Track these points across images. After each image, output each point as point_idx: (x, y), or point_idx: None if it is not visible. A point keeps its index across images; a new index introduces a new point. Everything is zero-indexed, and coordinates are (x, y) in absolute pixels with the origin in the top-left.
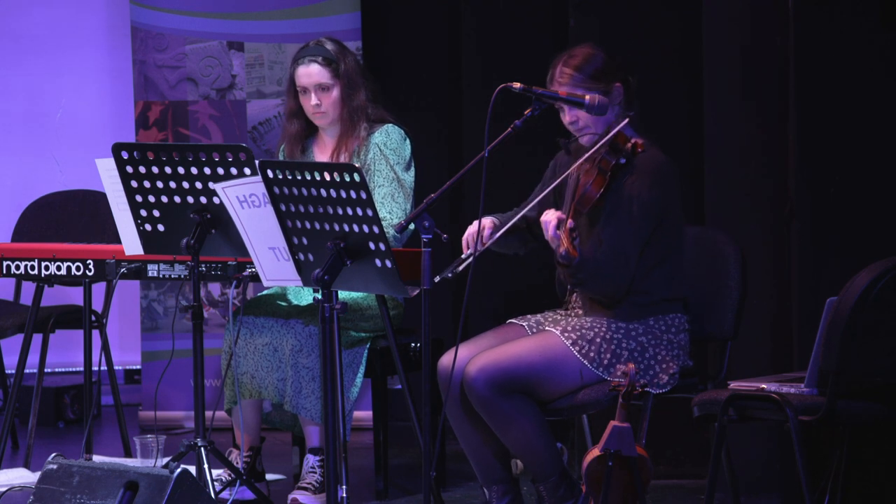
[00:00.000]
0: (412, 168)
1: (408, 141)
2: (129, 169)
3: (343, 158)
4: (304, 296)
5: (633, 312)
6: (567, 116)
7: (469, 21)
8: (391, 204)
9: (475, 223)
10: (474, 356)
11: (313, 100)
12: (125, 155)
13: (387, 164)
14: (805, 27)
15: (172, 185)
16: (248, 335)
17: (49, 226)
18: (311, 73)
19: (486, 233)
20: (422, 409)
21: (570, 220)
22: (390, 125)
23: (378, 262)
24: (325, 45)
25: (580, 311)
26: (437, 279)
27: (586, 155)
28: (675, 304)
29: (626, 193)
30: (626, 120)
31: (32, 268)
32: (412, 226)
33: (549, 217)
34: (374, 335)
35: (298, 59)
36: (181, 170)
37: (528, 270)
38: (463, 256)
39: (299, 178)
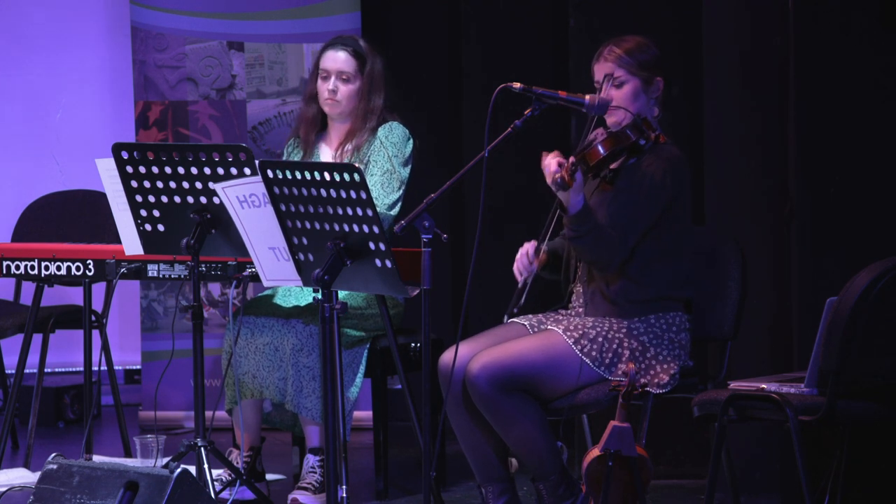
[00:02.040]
0: (409, 166)
1: (411, 141)
2: (129, 169)
3: (348, 150)
4: (303, 296)
5: (634, 309)
6: (603, 91)
7: (469, 21)
8: (378, 191)
9: (520, 250)
10: (476, 354)
11: (331, 84)
12: (125, 155)
13: (385, 155)
14: (805, 27)
15: (172, 185)
16: (248, 335)
17: (49, 226)
18: (338, 58)
19: (530, 253)
20: (422, 409)
21: (572, 158)
22: (395, 122)
23: (378, 262)
24: (358, 41)
25: (581, 311)
26: (506, 319)
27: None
28: (677, 303)
29: (638, 175)
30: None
31: (32, 268)
32: (392, 211)
33: (549, 156)
34: (374, 335)
35: (329, 44)
36: (181, 170)
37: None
38: (519, 286)
39: (299, 178)
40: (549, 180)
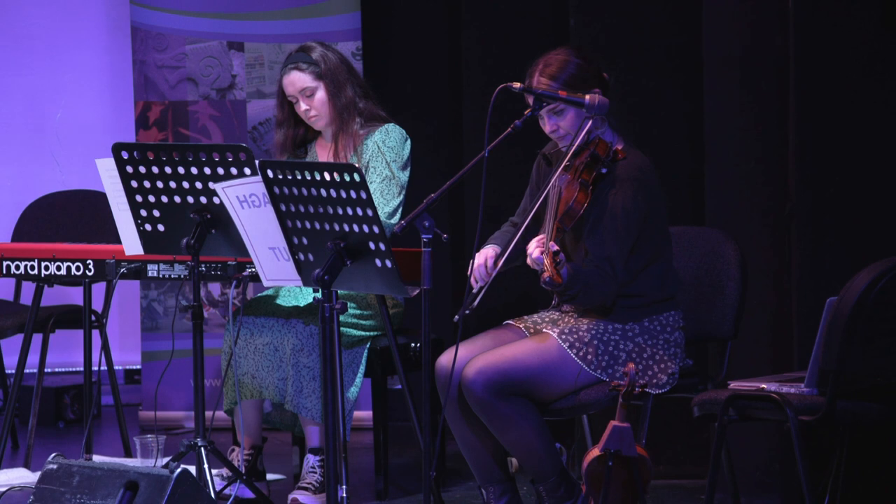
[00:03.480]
0: (408, 169)
1: (408, 142)
2: (129, 169)
3: (342, 157)
4: (303, 296)
5: (628, 315)
6: (547, 125)
7: (469, 21)
8: (378, 199)
9: (478, 256)
10: (471, 359)
11: (303, 106)
12: (125, 155)
13: (383, 161)
14: (805, 27)
15: (172, 185)
16: (248, 335)
17: (49, 226)
18: (294, 80)
19: (489, 262)
20: (422, 409)
21: (552, 244)
22: (391, 125)
23: (378, 262)
24: (304, 50)
25: (575, 314)
26: (456, 319)
27: (563, 163)
28: (668, 302)
29: (609, 202)
30: (592, 126)
31: (32, 268)
32: (393, 219)
33: (532, 245)
34: (374, 335)
35: (282, 71)
36: (181, 170)
37: (525, 271)
38: (474, 291)
39: (299, 178)
40: (530, 262)
